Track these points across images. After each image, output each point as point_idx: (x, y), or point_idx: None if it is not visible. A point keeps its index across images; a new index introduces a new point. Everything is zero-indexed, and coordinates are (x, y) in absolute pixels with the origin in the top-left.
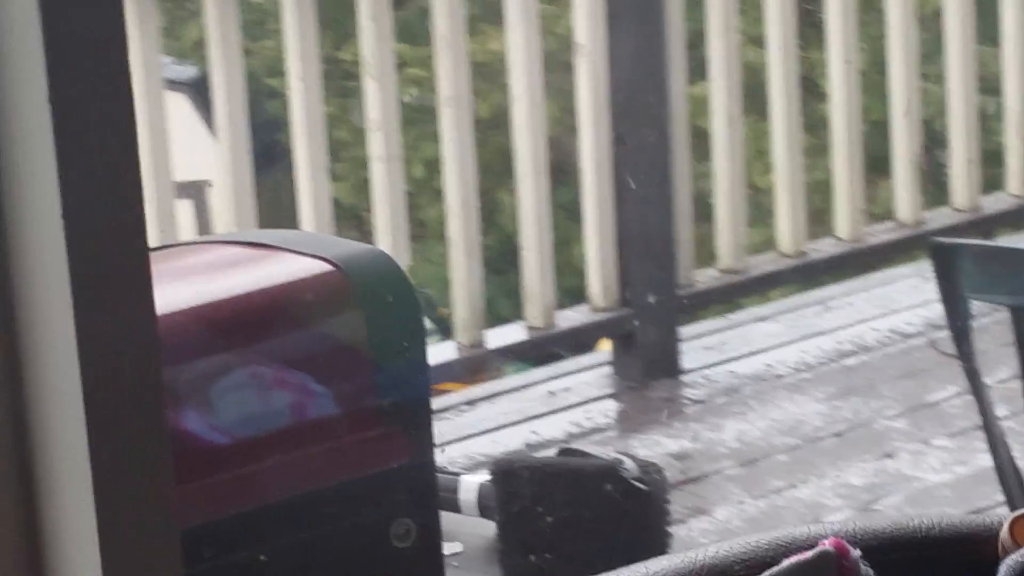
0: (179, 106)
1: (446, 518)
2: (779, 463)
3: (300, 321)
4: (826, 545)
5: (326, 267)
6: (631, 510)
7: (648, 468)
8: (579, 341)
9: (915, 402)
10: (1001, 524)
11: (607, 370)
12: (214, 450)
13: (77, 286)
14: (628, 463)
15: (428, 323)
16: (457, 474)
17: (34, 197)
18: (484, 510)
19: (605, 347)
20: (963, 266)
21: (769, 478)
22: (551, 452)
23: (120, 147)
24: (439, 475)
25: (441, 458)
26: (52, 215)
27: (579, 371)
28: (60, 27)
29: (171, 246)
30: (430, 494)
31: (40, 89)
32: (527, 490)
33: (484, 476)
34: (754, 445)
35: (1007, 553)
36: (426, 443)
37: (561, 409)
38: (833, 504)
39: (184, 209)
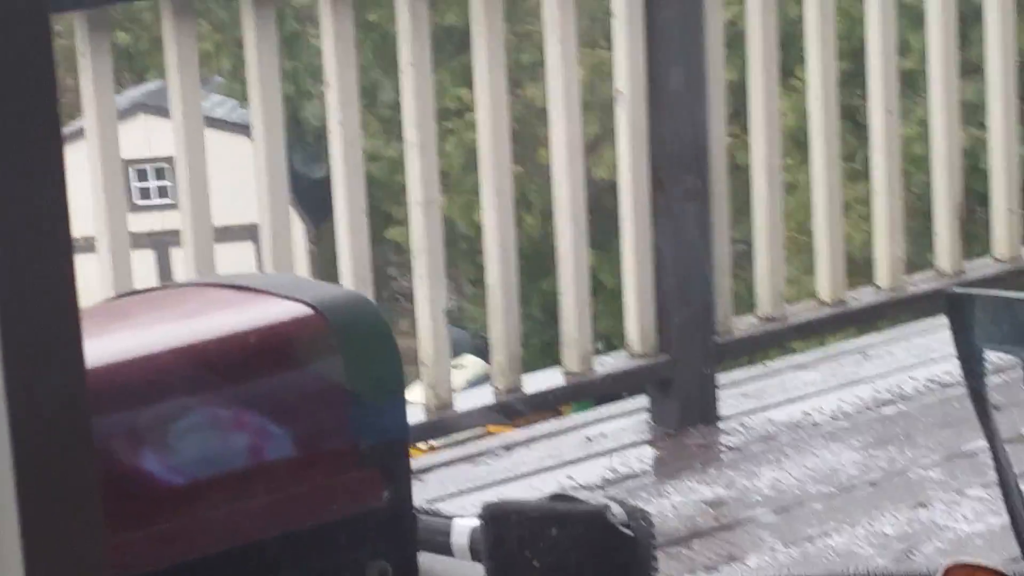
0: (244, 149)
1: (438, 561)
2: (813, 511)
3: (278, 363)
4: None
5: (305, 310)
6: (616, 555)
7: (635, 514)
8: (616, 387)
9: (951, 452)
10: (936, 573)
11: (644, 416)
12: (187, 490)
13: (6, 337)
14: (615, 509)
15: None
16: (450, 517)
17: None
18: (476, 554)
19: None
20: (978, 317)
21: (803, 526)
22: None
23: (49, 197)
24: (431, 518)
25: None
26: None
27: (617, 416)
28: None
29: (152, 289)
30: (407, 536)
31: None
32: (515, 534)
33: (476, 520)
34: (789, 493)
35: None
36: (404, 484)
37: (597, 455)
38: (865, 552)
39: (246, 251)
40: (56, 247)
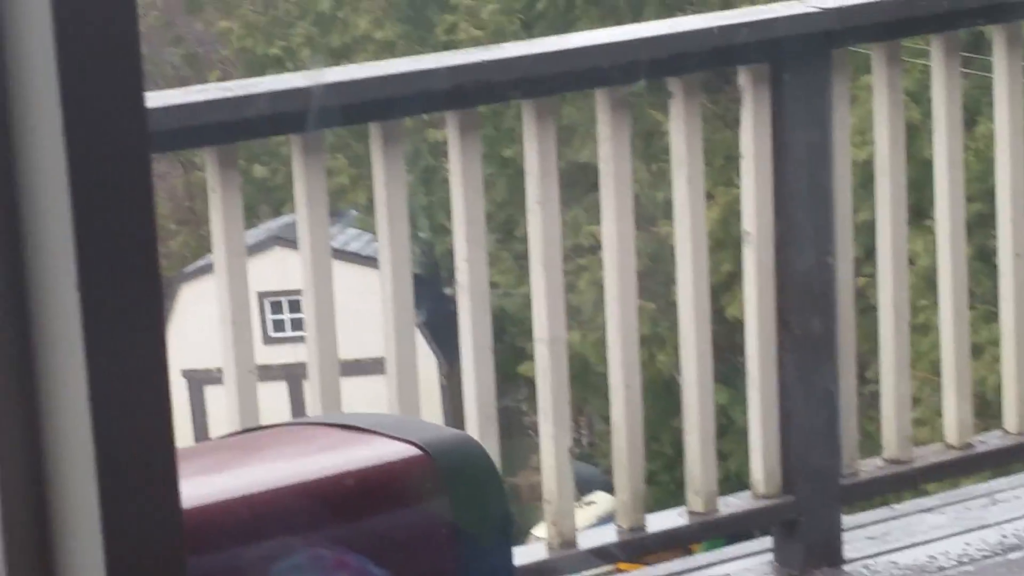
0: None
1: None
2: None
3: (385, 503)
4: None
5: (414, 451)
6: None
7: None
8: (740, 527)
9: None
10: None
11: (769, 556)
12: None
13: (103, 473)
14: None
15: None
16: None
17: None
18: None
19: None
20: None
21: None
22: None
23: (146, 332)
24: None
25: None
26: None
27: (742, 557)
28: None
29: (261, 428)
30: None
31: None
32: None
33: None
34: None
35: None
36: None
37: None
38: None
39: (378, 385)
40: (153, 390)
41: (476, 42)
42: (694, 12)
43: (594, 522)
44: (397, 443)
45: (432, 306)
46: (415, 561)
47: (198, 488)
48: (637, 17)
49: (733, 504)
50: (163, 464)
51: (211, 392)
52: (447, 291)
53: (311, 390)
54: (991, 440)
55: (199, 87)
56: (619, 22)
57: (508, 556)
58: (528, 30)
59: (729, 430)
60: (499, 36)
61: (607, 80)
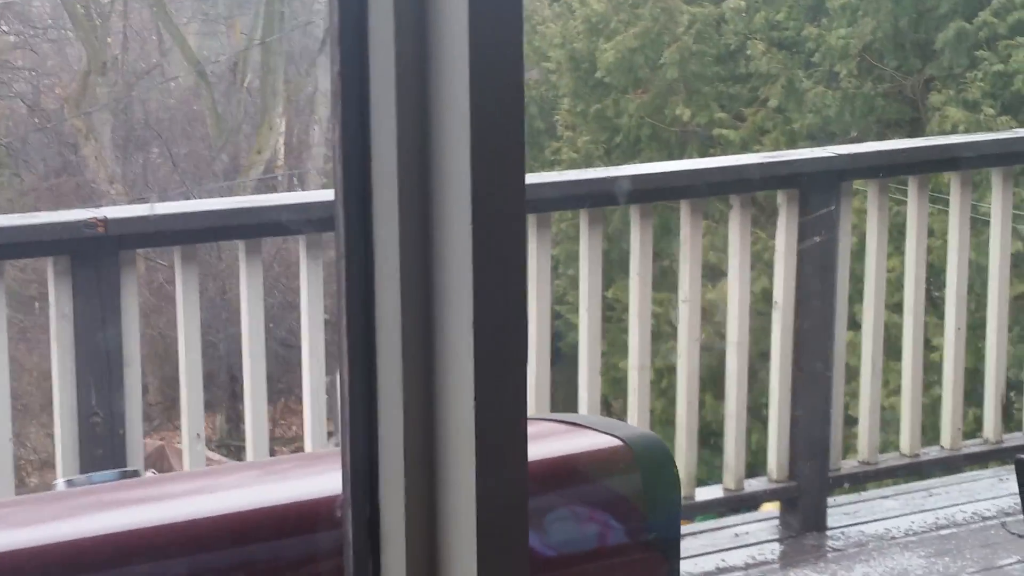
0: None
1: None
2: None
3: (598, 480)
4: None
5: (616, 442)
6: None
7: None
8: (758, 502)
9: (987, 565)
10: None
11: (775, 522)
12: (546, 560)
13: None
14: None
15: None
16: None
17: None
18: None
19: (768, 507)
20: None
21: None
22: None
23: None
24: None
25: None
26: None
27: (758, 521)
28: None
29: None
30: None
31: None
32: None
33: None
34: None
35: None
36: (676, 563)
37: (742, 546)
38: None
39: None
40: (516, 371)
41: (573, 163)
42: (719, 152)
43: None
44: (604, 436)
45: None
46: (618, 520)
47: None
48: (683, 152)
49: (754, 485)
50: (516, 431)
51: None
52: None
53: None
54: (932, 452)
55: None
56: (670, 154)
57: (677, 522)
58: (608, 156)
59: (753, 432)
60: (588, 159)
61: (690, 193)
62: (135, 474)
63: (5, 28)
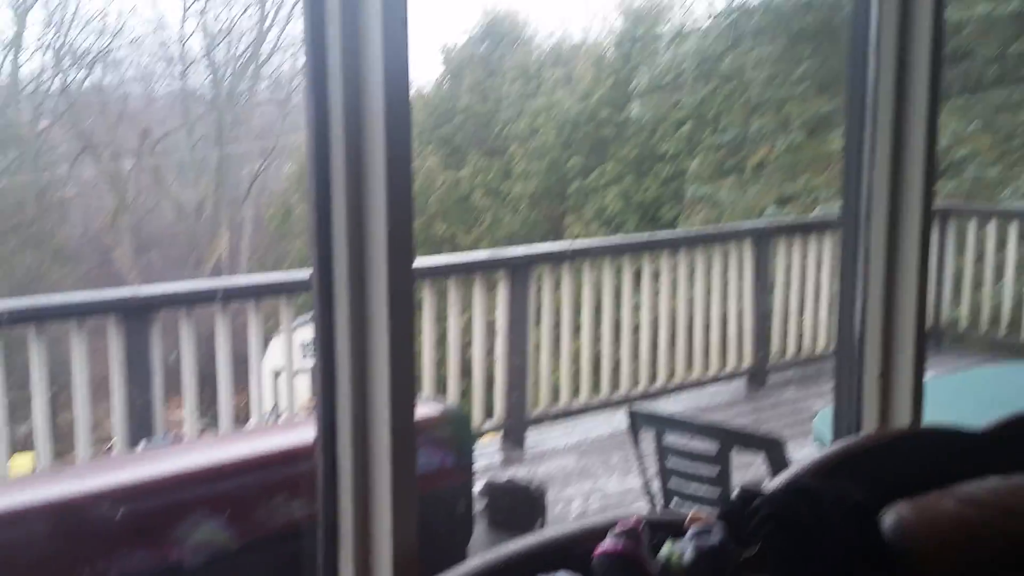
0: None
1: None
2: (553, 481)
3: (432, 430)
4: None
5: (440, 408)
6: (535, 509)
7: (539, 485)
8: (493, 431)
9: (605, 460)
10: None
11: (499, 444)
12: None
13: None
14: (534, 483)
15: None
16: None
17: None
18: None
19: (493, 436)
20: (640, 419)
21: (549, 484)
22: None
23: None
24: None
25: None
26: None
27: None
28: None
29: None
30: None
31: None
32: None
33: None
34: (544, 474)
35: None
36: (471, 475)
37: (482, 455)
38: (576, 504)
39: None
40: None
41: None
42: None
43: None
44: (435, 405)
45: None
46: (442, 451)
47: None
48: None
49: (491, 423)
50: (409, 404)
51: None
52: None
53: None
54: (576, 404)
55: None
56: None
57: (472, 453)
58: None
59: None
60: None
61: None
62: (179, 439)
63: None
